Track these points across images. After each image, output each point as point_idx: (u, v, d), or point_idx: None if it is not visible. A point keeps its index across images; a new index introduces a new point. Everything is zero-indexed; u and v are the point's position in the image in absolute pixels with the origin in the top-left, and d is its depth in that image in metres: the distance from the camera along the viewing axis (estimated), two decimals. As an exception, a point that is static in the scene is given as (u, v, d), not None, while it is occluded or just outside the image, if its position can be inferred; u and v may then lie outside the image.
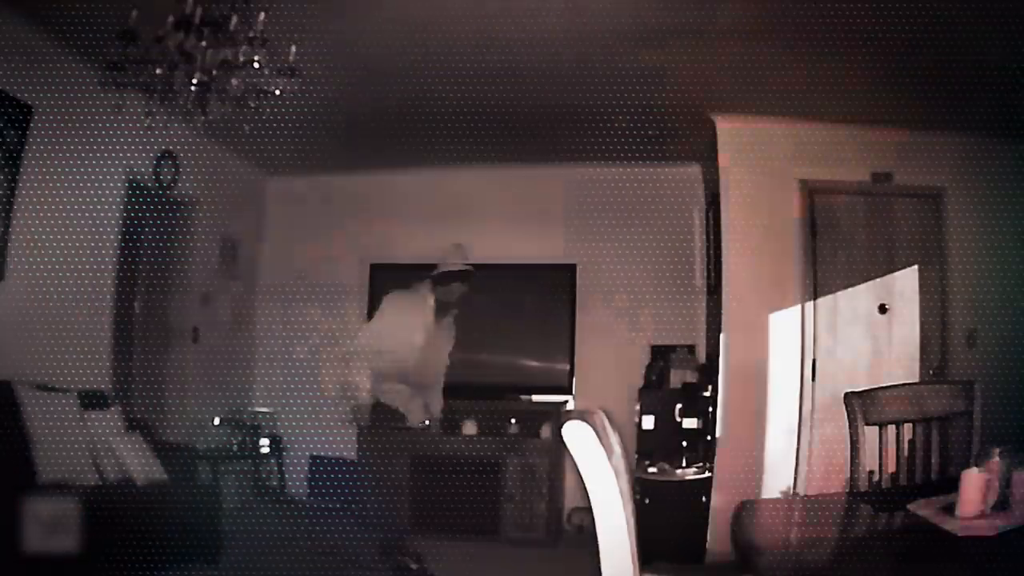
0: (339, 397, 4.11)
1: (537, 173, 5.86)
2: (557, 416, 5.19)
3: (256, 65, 3.05)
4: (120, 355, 4.54)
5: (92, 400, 3.83)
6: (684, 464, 4.73)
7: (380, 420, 3.81)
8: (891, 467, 2.36)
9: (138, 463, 3.73)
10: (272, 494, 5.56)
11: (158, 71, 3.03)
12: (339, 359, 3.97)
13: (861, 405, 2.36)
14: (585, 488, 1.42)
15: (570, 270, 5.62)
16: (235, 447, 5.36)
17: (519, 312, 5.54)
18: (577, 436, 1.40)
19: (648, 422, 4.91)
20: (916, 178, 4.67)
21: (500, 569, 4.46)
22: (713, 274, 5.13)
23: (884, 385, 2.60)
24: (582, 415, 1.43)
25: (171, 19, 2.94)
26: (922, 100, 4.15)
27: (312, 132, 5.06)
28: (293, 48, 3.16)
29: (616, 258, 5.71)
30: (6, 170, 3.67)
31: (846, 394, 2.42)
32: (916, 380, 4.47)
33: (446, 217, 5.84)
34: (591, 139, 5.15)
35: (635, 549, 1.40)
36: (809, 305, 4.65)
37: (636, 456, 4.76)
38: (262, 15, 3.02)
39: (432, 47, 3.86)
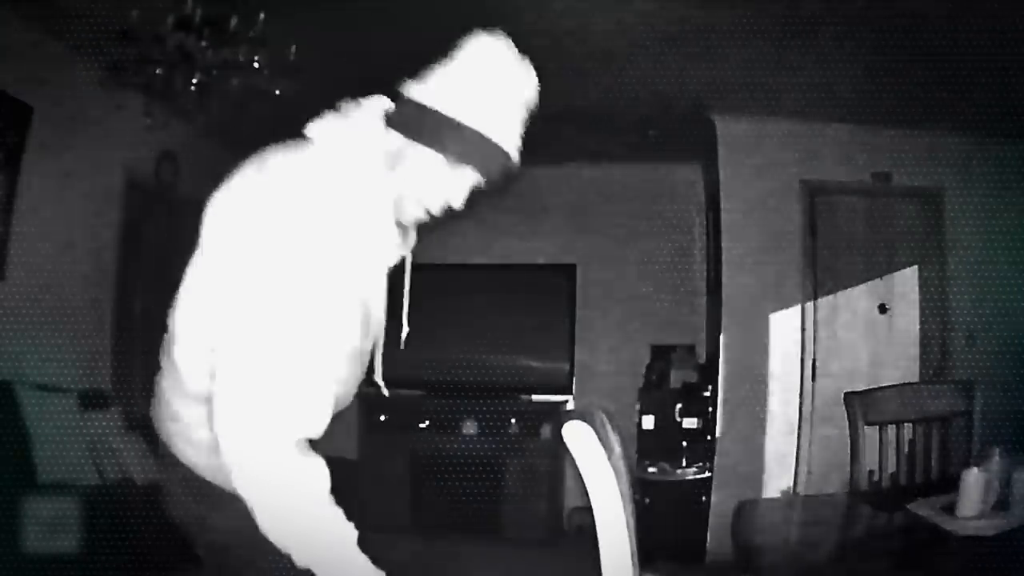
0: None
1: (537, 173, 5.85)
2: (557, 416, 5.19)
3: (256, 65, 3.05)
4: (120, 355, 4.54)
5: (92, 400, 3.82)
6: (684, 464, 4.73)
7: None
8: (891, 467, 2.36)
9: (138, 463, 3.73)
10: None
11: (158, 71, 3.03)
12: None
13: (861, 405, 2.36)
14: (585, 488, 1.42)
15: (570, 270, 5.62)
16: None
17: (519, 312, 5.54)
18: (577, 436, 1.40)
19: (648, 422, 4.91)
20: (916, 178, 4.67)
21: (500, 569, 4.46)
22: (713, 274, 5.13)
23: (884, 385, 2.60)
24: (582, 415, 1.42)
25: (171, 19, 2.94)
26: (922, 100, 4.15)
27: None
28: (293, 48, 3.17)
29: (616, 258, 5.71)
30: (6, 170, 3.67)
31: (846, 394, 2.43)
32: (916, 380, 4.47)
33: (445, 217, 5.85)
34: (591, 139, 5.15)
35: (635, 549, 1.40)
36: (809, 305, 4.65)
37: (636, 456, 4.76)
38: (262, 15, 3.02)
39: (432, 47, 3.85)
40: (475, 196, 1.39)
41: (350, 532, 1.19)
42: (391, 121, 1.32)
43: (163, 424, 1.40)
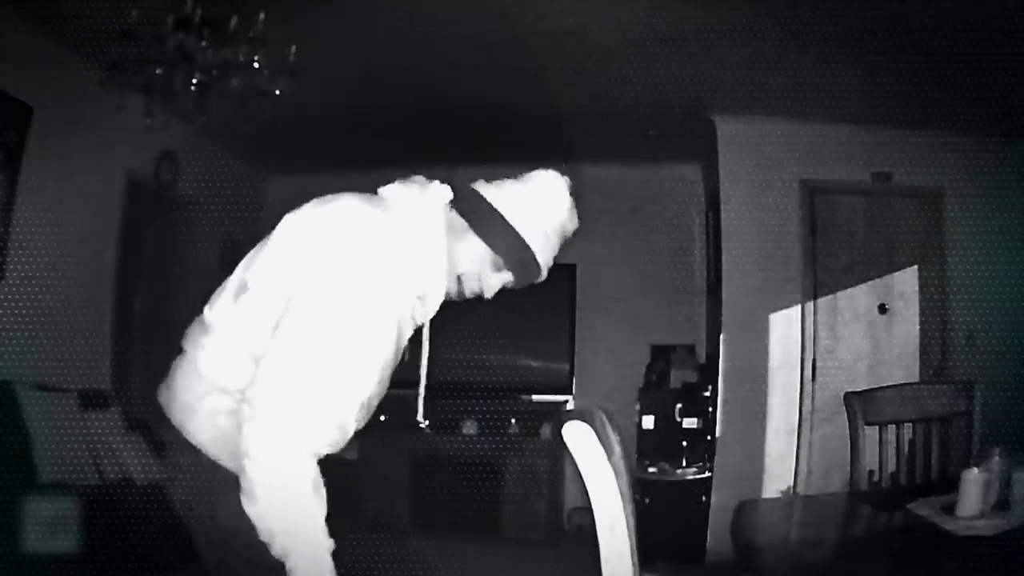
0: None
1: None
2: (557, 416, 5.19)
3: (256, 65, 3.05)
4: (120, 355, 4.54)
5: (92, 400, 3.82)
6: (684, 464, 4.73)
7: None
8: (891, 467, 2.36)
9: (138, 463, 3.73)
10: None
11: (158, 71, 3.03)
12: None
13: (861, 405, 2.36)
14: (585, 488, 1.42)
15: (570, 270, 5.61)
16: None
17: (519, 312, 5.53)
18: (577, 436, 1.40)
19: (648, 422, 4.91)
20: (916, 178, 4.67)
21: (500, 569, 4.46)
22: (713, 274, 5.13)
23: (884, 385, 2.60)
24: (582, 415, 1.42)
25: (171, 19, 2.94)
26: (922, 100, 4.15)
27: (312, 132, 5.05)
28: (293, 48, 3.17)
29: (616, 258, 5.71)
30: (6, 170, 3.67)
31: (846, 394, 2.43)
32: (916, 380, 4.47)
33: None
34: (591, 139, 5.15)
35: (635, 549, 1.40)
36: (809, 305, 4.65)
37: (636, 456, 4.76)
38: (262, 15, 3.02)
39: (432, 47, 3.85)
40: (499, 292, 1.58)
41: (328, 544, 1.29)
42: (457, 204, 1.49)
43: (175, 407, 1.46)
